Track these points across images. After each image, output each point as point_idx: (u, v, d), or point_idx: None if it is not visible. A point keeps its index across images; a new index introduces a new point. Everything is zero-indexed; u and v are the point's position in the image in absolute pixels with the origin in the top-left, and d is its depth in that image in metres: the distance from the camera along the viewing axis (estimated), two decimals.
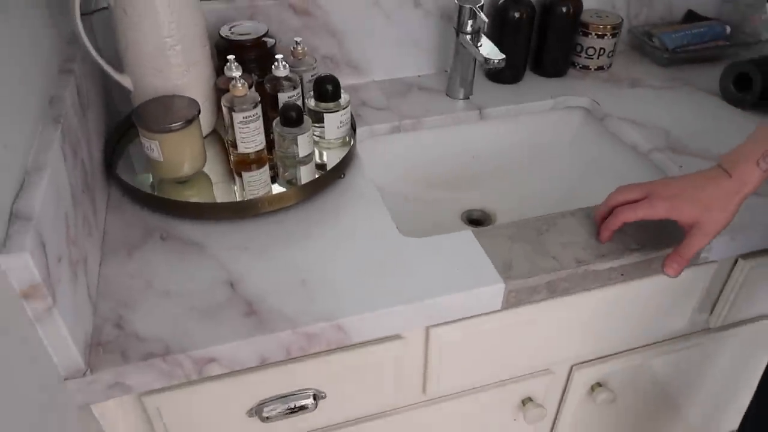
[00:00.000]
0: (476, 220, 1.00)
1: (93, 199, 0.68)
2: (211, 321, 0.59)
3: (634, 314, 0.78)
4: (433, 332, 0.68)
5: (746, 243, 0.74)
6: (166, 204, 0.72)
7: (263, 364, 0.62)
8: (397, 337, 0.67)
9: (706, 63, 1.09)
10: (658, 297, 0.78)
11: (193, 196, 0.76)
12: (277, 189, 0.78)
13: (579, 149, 1.00)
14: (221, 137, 0.86)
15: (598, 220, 0.71)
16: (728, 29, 1.10)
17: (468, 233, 0.70)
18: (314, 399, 0.67)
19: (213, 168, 0.81)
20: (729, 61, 0.99)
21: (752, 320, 0.90)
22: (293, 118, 0.75)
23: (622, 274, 0.69)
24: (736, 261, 0.79)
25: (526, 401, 0.82)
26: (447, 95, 0.98)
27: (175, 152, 0.73)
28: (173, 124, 0.70)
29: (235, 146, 0.77)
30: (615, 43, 1.04)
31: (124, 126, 0.84)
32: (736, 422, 0.77)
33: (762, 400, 0.72)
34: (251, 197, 0.75)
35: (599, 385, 0.85)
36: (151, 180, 0.78)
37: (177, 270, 0.65)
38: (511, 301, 0.66)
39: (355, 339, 0.62)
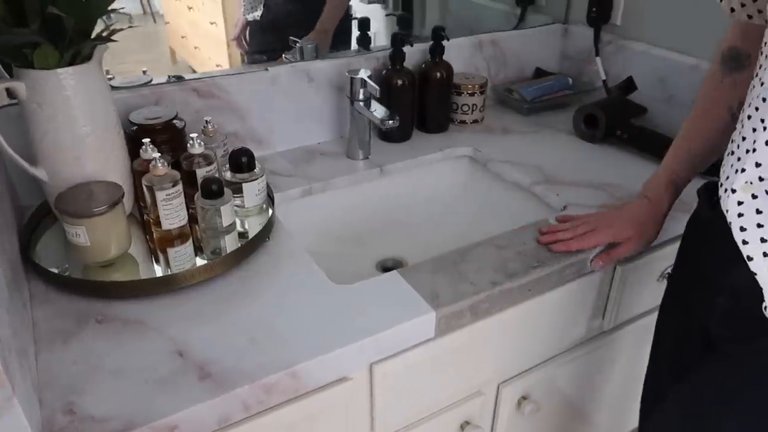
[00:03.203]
0: (390, 269, 1.07)
1: (20, 291, 0.67)
2: (168, 391, 0.60)
3: (542, 327, 0.89)
4: (377, 369, 0.73)
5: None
6: (102, 287, 0.72)
7: (224, 426, 0.63)
8: (344, 379, 0.71)
9: (558, 109, 1.28)
10: (559, 309, 0.89)
11: (121, 277, 0.77)
12: (201, 261, 0.81)
13: (470, 192, 1.12)
14: (136, 218, 0.88)
15: (545, 238, 0.83)
16: (570, 81, 1.31)
17: (394, 274, 0.77)
18: None
19: (133, 249, 0.82)
20: (576, 106, 1.18)
21: (638, 317, 1.05)
22: (215, 190, 0.79)
23: (529, 290, 0.79)
24: (615, 269, 0.93)
25: (464, 425, 0.88)
26: (348, 157, 1.07)
27: (102, 236, 0.74)
28: (99, 208, 0.72)
29: (158, 224, 0.79)
30: (484, 99, 1.20)
31: (35, 218, 0.83)
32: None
33: (650, 375, 0.86)
34: (181, 270, 0.77)
35: (524, 398, 0.94)
36: (66, 267, 0.77)
37: (122, 349, 0.65)
38: (442, 327, 0.73)
39: (309, 385, 0.65)
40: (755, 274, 0.61)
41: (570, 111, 1.20)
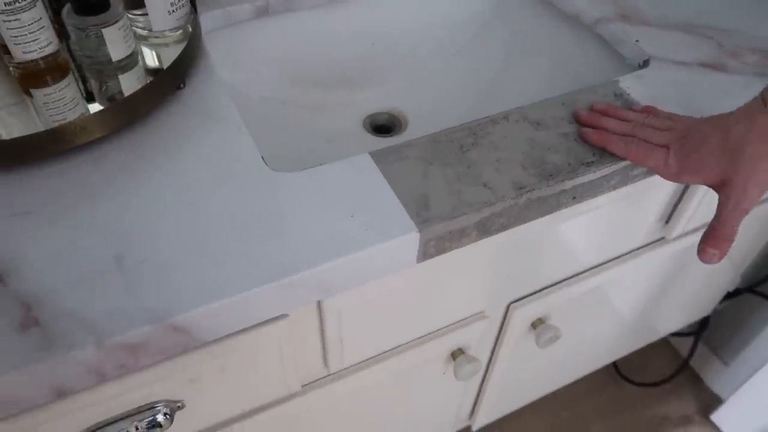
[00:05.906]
0: (383, 127, 0.78)
1: None
2: None
3: (579, 239, 0.62)
4: (328, 305, 0.49)
5: None
6: None
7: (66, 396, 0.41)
8: (276, 319, 0.47)
9: None
10: (610, 214, 0.61)
11: None
12: (97, 109, 0.53)
13: (505, 25, 0.78)
14: None
15: (585, 116, 0.53)
16: None
17: (365, 158, 0.49)
18: (167, 415, 0.48)
19: None
20: None
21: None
22: (91, 0, 0.50)
23: (574, 197, 0.51)
24: None
25: (457, 354, 0.66)
26: None
27: None
28: None
29: (8, 52, 0.51)
30: None
31: None
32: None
33: None
34: (54, 125, 0.50)
35: (541, 321, 0.70)
36: None
37: None
38: (430, 252, 0.47)
39: (205, 338, 0.42)
40: None
41: None
